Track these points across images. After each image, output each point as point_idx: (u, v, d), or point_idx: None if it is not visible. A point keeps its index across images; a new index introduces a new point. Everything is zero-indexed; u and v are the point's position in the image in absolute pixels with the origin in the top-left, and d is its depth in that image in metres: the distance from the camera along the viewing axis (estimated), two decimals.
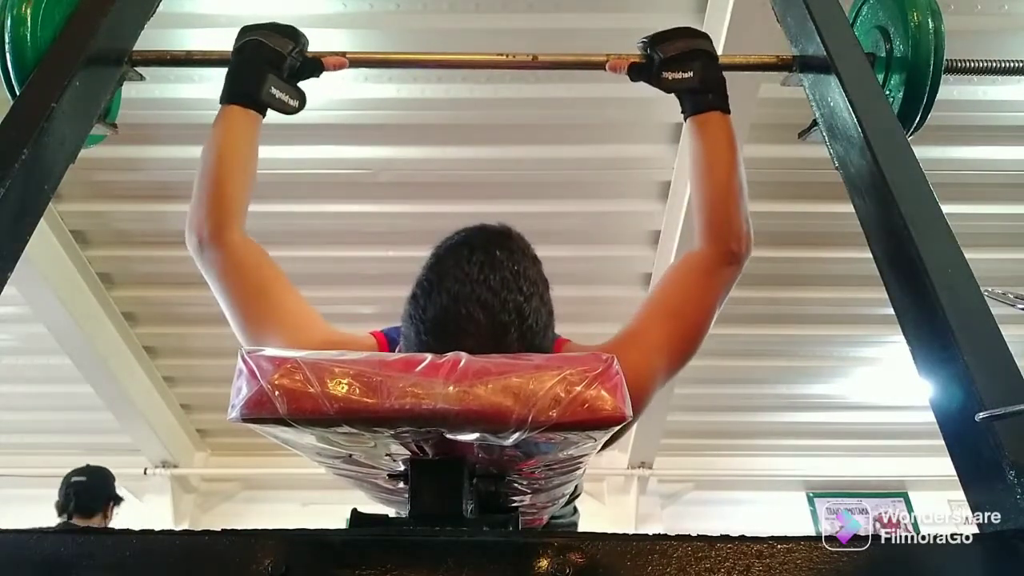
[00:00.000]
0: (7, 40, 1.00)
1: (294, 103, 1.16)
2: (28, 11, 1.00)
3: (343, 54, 1.21)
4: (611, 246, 3.80)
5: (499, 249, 0.95)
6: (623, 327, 1.11)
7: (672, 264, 1.18)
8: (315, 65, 1.20)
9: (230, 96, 1.13)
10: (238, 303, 1.07)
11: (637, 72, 1.19)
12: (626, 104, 3.09)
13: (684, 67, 1.15)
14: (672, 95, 1.20)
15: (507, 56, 1.22)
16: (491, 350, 0.82)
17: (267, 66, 1.14)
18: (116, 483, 3.35)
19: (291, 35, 1.17)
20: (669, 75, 1.16)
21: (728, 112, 1.16)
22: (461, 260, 0.94)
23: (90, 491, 3.17)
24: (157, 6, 1.23)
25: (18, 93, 0.99)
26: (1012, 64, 1.16)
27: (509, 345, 0.89)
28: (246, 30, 1.18)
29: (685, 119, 1.18)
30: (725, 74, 1.18)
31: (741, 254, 1.11)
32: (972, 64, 1.15)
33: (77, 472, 3.25)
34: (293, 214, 3.54)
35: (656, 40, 1.18)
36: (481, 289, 0.90)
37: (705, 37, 1.20)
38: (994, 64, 1.16)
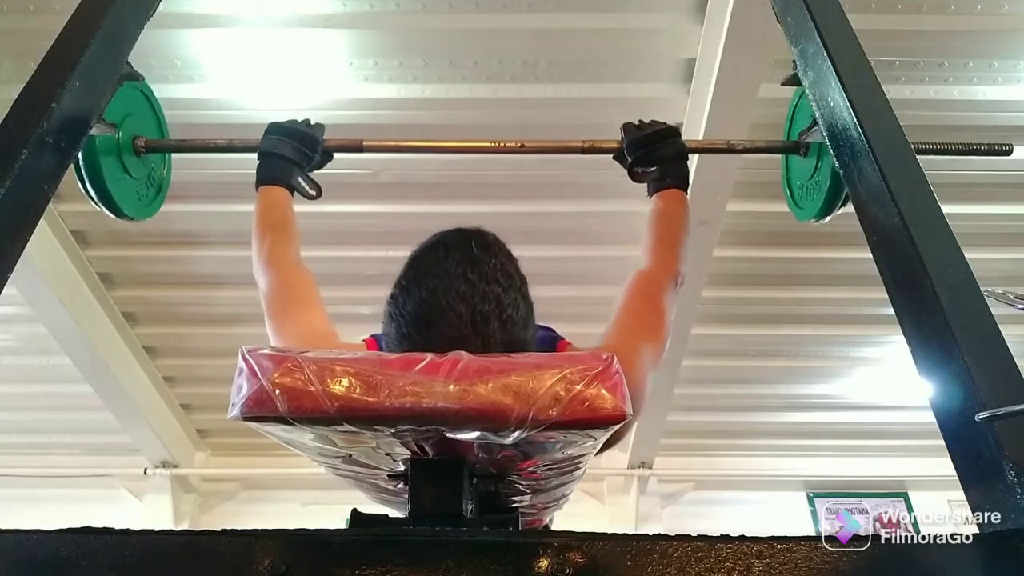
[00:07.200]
0: None
1: (313, 192, 1.43)
2: None
3: (360, 141, 1.51)
4: (611, 246, 3.79)
5: (475, 246, 0.98)
6: (605, 335, 1.13)
7: (630, 281, 1.26)
8: (327, 159, 1.49)
9: (268, 181, 1.38)
10: (276, 316, 1.20)
11: (617, 158, 1.47)
12: (626, 104, 3.09)
13: (650, 165, 1.42)
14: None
15: (497, 143, 1.48)
16: (473, 340, 0.84)
17: (295, 167, 1.40)
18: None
19: (312, 144, 1.42)
20: (639, 170, 1.43)
21: (685, 190, 1.39)
22: (438, 258, 0.97)
23: None
24: (157, 7, 1.24)
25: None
26: (980, 146, 1.24)
27: (491, 335, 0.90)
28: (275, 130, 1.41)
29: (649, 195, 1.41)
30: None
31: (679, 281, 1.29)
32: (939, 147, 1.25)
33: None
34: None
35: (631, 143, 1.42)
36: (459, 282, 0.93)
37: (674, 135, 1.43)
38: (959, 147, 1.26)
